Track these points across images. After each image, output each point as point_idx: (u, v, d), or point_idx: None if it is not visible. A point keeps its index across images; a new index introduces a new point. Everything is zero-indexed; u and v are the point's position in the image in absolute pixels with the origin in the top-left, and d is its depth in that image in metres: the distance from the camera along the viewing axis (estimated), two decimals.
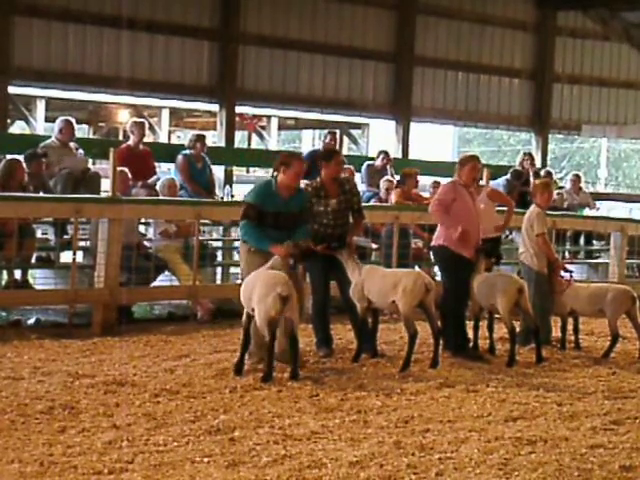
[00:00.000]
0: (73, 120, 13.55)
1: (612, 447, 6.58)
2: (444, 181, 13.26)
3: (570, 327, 10.81)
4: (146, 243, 12.71)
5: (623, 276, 15.30)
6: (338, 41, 20.06)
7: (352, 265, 9.64)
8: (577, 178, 18.93)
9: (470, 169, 10.13)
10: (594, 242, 17.68)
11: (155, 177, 13.94)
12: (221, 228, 14.75)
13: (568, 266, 11.29)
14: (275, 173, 9.37)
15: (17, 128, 23.40)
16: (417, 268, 12.93)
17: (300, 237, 9.12)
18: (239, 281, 13.52)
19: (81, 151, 13.60)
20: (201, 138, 14.78)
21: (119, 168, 12.29)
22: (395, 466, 6.00)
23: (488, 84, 22.41)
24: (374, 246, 13.92)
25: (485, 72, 22.27)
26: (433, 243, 10.32)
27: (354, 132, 24.96)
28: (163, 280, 12.54)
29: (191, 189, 14.12)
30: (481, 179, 12.54)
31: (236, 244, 14.21)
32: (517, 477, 5.90)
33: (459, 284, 10.02)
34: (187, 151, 14.54)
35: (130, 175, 12.63)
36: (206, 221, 13.61)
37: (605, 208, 20.78)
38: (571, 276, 10.93)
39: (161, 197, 12.77)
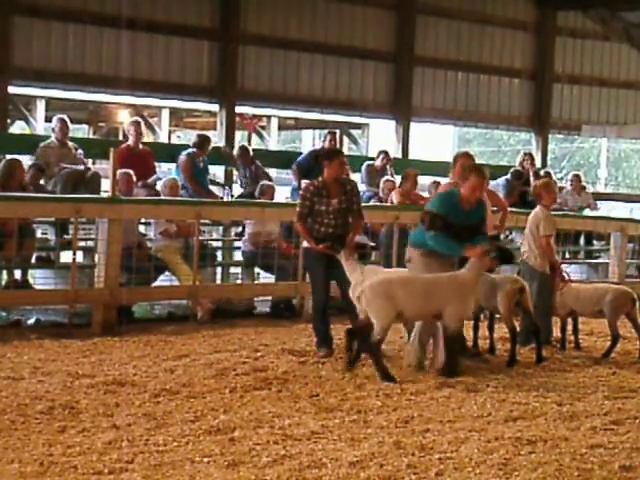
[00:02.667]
0: (66, 118, 13.58)
1: (612, 447, 6.57)
2: (444, 181, 13.27)
3: (570, 327, 10.81)
4: (149, 243, 12.73)
5: (623, 276, 15.29)
6: (338, 41, 20.08)
7: (352, 265, 9.64)
8: (577, 178, 18.93)
9: (460, 167, 10.09)
10: (594, 242, 17.68)
11: (155, 177, 13.95)
12: (221, 228, 14.76)
13: (564, 267, 11.32)
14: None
15: (17, 128, 23.38)
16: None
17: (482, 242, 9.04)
18: (239, 281, 13.68)
19: (81, 151, 13.62)
20: (208, 140, 14.83)
21: (124, 170, 12.32)
22: (395, 466, 6.00)
23: (488, 84, 22.42)
24: (371, 244, 13.94)
25: (485, 72, 22.28)
26: None
27: (354, 132, 24.96)
28: (163, 280, 12.55)
29: (193, 189, 14.14)
30: None
31: (237, 244, 14.24)
32: (517, 477, 5.90)
33: None
34: (190, 150, 14.56)
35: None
36: (206, 221, 13.62)
37: (605, 208, 20.77)
38: (569, 277, 10.94)
39: (162, 197, 12.77)
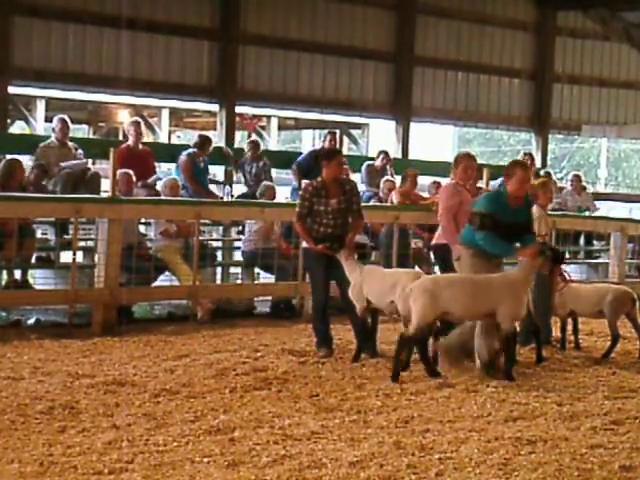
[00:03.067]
0: (67, 118, 13.58)
1: (612, 447, 6.57)
2: (444, 181, 13.26)
3: (570, 327, 10.81)
4: (148, 243, 12.74)
5: (623, 276, 15.28)
6: (338, 41, 20.07)
7: (351, 265, 9.65)
8: (577, 178, 18.93)
9: (463, 169, 10.12)
10: (594, 242, 17.68)
11: (155, 177, 13.95)
12: (221, 228, 14.76)
13: (564, 267, 11.31)
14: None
15: (17, 128, 23.36)
16: (417, 268, 12.92)
17: (530, 243, 9.15)
18: (239, 281, 13.68)
19: (81, 151, 13.62)
20: (210, 140, 14.87)
21: (124, 170, 12.32)
22: (395, 466, 6.00)
23: (488, 84, 22.42)
24: (371, 244, 13.95)
25: (485, 72, 22.28)
26: (435, 242, 10.29)
27: (354, 132, 24.96)
28: (163, 280, 12.55)
29: (193, 189, 14.14)
30: (481, 179, 12.51)
31: (237, 244, 14.24)
32: (517, 477, 5.89)
33: None
34: (191, 150, 14.58)
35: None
36: (206, 221, 13.62)
37: (605, 208, 20.77)
38: (569, 277, 10.94)
39: (162, 197, 12.78)
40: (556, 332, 10.86)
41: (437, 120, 23.01)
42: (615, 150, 49.56)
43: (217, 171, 16.88)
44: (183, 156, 14.42)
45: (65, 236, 12.20)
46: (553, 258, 9.12)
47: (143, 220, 13.07)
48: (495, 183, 15.82)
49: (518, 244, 9.19)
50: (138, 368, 8.89)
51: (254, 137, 19.11)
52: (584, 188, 19.05)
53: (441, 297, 8.70)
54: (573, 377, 9.18)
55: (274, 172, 18.42)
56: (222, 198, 14.88)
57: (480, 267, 9.11)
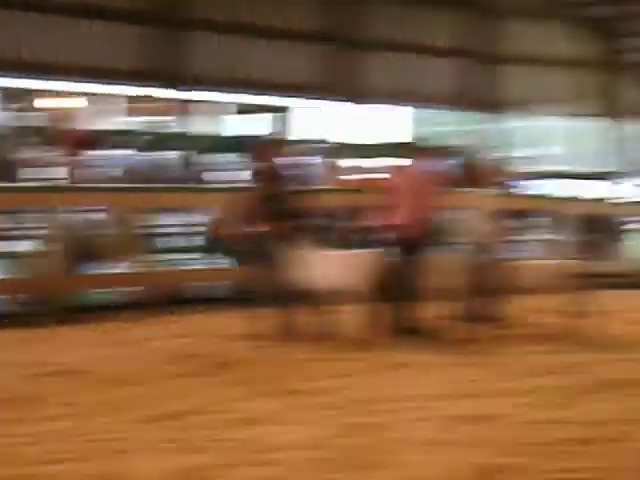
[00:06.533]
0: None
1: (569, 422, 6.62)
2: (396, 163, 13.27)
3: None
4: (96, 231, 12.63)
5: (570, 255, 15.37)
6: (281, 24, 20.00)
7: (302, 247, 9.67)
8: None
9: (424, 152, 10.21)
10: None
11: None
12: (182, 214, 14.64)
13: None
14: None
15: None
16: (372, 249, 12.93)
17: None
18: (199, 266, 13.56)
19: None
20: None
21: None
22: (352, 447, 6.00)
23: (434, 65, 22.47)
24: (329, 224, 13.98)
25: (430, 53, 22.33)
26: (386, 223, 10.31)
27: (292, 116, 24.87)
28: (118, 267, 12.46)
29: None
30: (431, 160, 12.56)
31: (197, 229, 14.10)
32: (477, 454, 5.92)
33: (412, 264, 10.04)
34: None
35: (79, 161, 12.57)
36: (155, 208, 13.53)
37: (554, 186, 20.92)
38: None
39: (100, 185, 12.69)
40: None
41: (384, 101, 22.93)
42: (566, 129, 49.92)
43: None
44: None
45: (18, 225, 12.10)
46: None
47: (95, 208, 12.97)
48: (446, 164, 15.91)
49: None
50: (94, 356, 8.83)
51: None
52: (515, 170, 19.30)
53: None
54: (526, 353, 9.22)
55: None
56: None
57: None
